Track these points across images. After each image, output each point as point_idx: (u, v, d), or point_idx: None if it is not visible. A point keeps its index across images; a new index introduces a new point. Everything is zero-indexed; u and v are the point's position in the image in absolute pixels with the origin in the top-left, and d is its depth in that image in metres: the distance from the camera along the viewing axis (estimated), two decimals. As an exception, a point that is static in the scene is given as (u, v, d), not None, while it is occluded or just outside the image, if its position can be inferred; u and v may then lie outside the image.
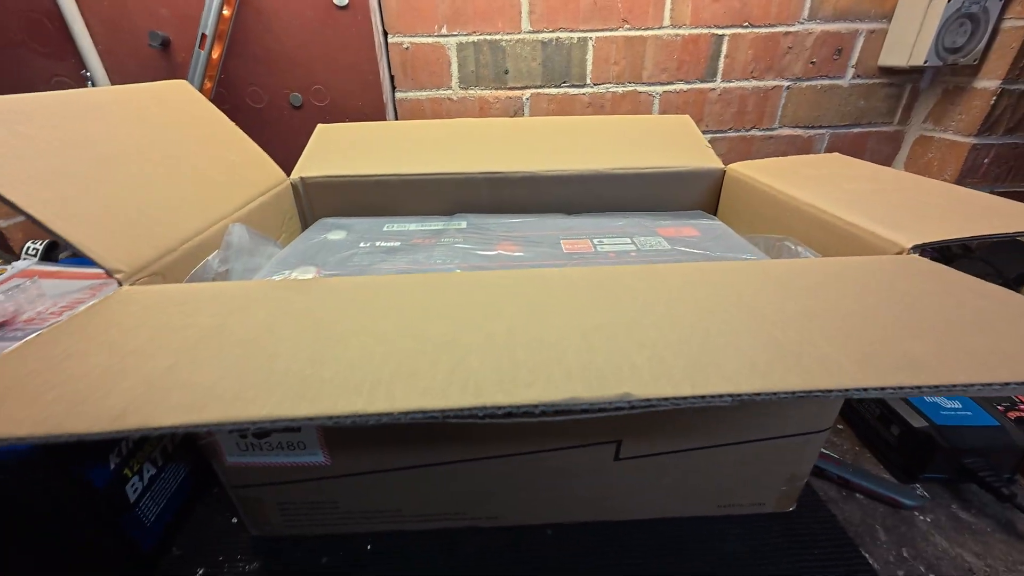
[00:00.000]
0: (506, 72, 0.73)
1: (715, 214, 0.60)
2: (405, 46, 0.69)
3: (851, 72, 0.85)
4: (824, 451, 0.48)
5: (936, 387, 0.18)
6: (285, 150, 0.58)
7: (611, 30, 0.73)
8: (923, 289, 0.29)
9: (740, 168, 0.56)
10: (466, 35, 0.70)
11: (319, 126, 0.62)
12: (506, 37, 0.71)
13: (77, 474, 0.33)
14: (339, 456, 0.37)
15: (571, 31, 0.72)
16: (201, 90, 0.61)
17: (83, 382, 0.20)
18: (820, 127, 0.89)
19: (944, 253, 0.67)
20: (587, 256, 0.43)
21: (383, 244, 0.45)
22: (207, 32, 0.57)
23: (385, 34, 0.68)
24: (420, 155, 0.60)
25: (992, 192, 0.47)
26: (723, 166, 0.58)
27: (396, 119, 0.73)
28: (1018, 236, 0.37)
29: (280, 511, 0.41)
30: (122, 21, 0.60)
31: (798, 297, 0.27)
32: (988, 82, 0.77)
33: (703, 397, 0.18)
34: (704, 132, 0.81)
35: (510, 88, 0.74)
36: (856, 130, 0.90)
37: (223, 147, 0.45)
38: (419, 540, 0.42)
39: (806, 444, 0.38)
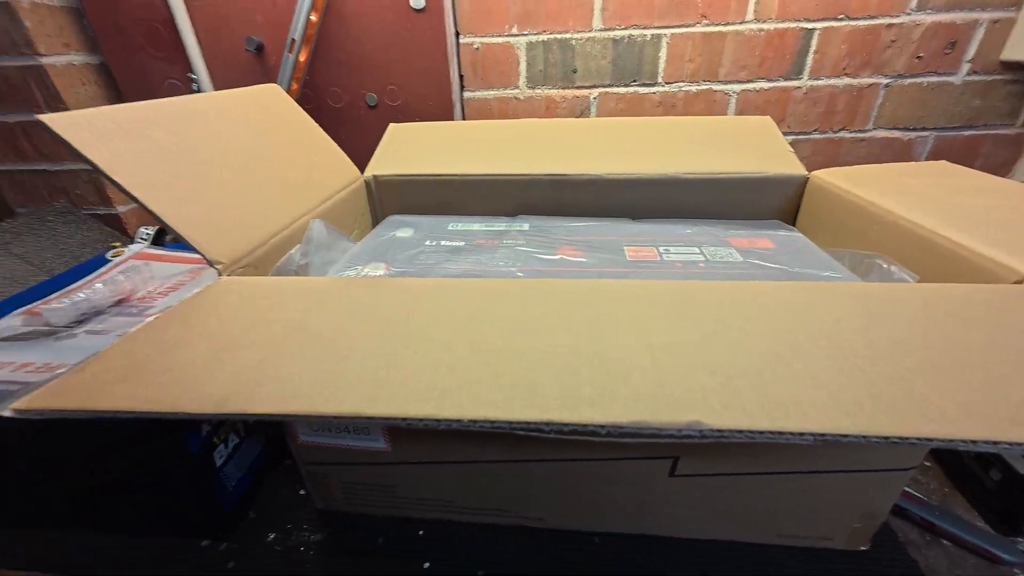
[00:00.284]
0: (574, 71, 0.72)
1: (794, 224, 0.56)
2: (476, 46, 0.70)
3: (966, 68, 0.76)
4: (907, 489, 0.44)
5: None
6: (360, 148, 0.61)
7: (687, 26, 0.70)
8: (1046, 326, 0.26)
9: (825, 176, 0.52)
10: (536, 34, 0.70)
11: (391, 126, 0.65)
12: (576, 36, 0.70)
13: (177, 439, 0.38)
14: (398, 445, 0.39)
15: (644, 28, 0.70)
16: (288, 91, 0.66)
17: (189, 369, 0.23)
18: (924, 129, 0.80)
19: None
20: (652, 265, 0.41)
21: (448, 243, 0.46)
22: (296, 37, 0.61)
23: (457, 35, 0.70)
24: (485, 155, 0.61)
25: None
26: (806, 173, 0.54)
27: (463, 118, 0.74)
28: None
29: (344, 489, 0.44)
30: (224, 28, 0.66)
31: (891, 326, 0.25)
32: None
33: (780, 434, 0.17)
34: (785, 134, 0.75)
35: (578, 87, 0.73)
36: (968, 133, 0.80)
37: (307, 147, 0.49)
38: (468, 531, 0.43)
39: (888, 481, 0.35)
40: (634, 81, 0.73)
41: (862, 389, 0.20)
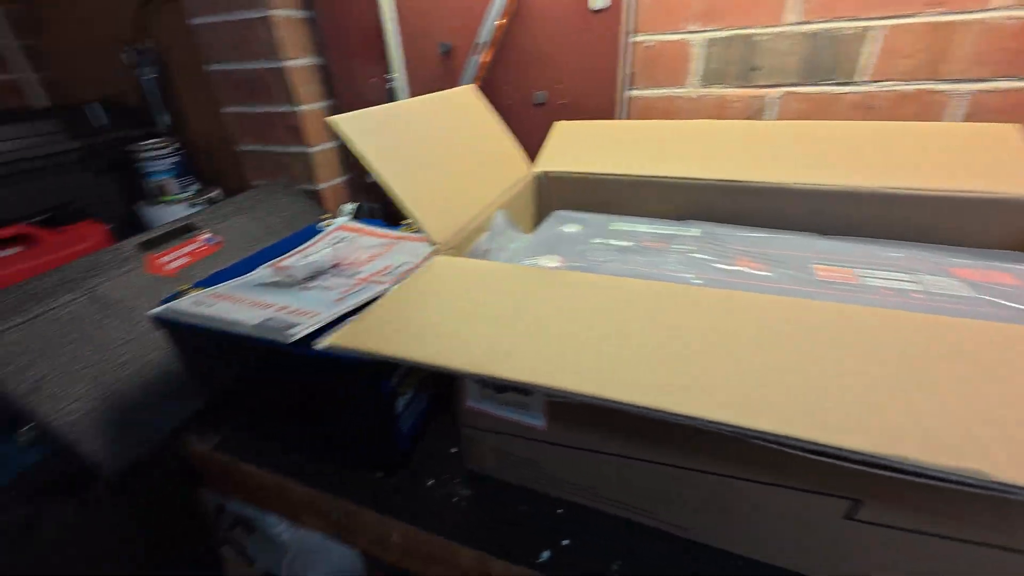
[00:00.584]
0: (753, 69, 0.67)
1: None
2: (648, 44, 0.70)
3: None
4: None
5: None
6: (527, 144, 0.65)
7: (907, 16, 0.60)
8: None
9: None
10: (716, 30, 0.67)
11: (557, 123, 0.68)
12: (762, 31, 0.65)
13: (375, 384, 0.45)
14: (555, 425, 0.41)
15: (850, 20, 0.62)
16: (468, 89, 0.72)
17: (442, 331, 0.27)
18: None
19: None
20: (848, 288, 0.38)
21: (615, 242, 0.47)
22: (482, 40, 0.67)
23: (630, 33, 0.69)
24: (651, 156, 0.60)
25: None
26: (1066, 196, 0.44)
27: (626, 117, 0.74)
28: None
29: (495, 456, 0.48)
30: (423, 35, 0.75)
31: None
32: None
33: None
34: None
35: (755, 86, 0.68)
36: None
37: (494, 142, 0.54)
38: (607, 523, 0.44)
39: None
40: (827, 80, 0.65)
41: None
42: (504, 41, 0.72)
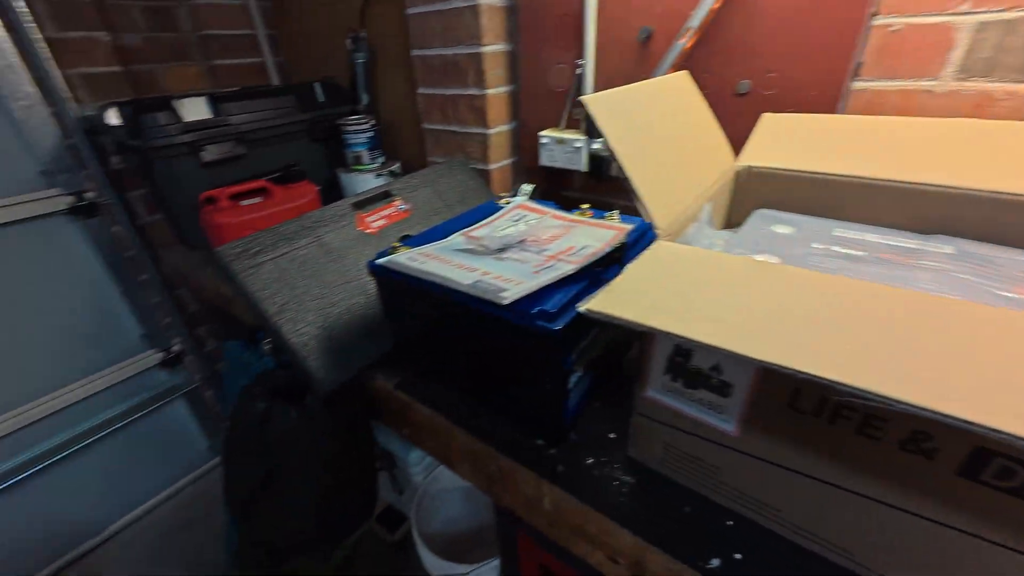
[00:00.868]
0: (1039, 58, 0.54)
1: None
2: (895, 28, 0.60)
3: None
4: None
5: None
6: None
7: None
8: None
9: None
10: (996, 11, 0.55)
11: (765, 115, 0.62)
12: (1063, 9, 0.52)
13: (559, 355, 0.47)
14: (750, 435, 0.39)
15: None
16: (661, 76, 0.70)
17: (686, 308, 0.27)
18: None
19: None
20: None
21: (840, 250, 0.42)
22: (694, 25, 0.64)
23: (874, 15, 0.61)
24: (880, 156, 0.53)
25: None
26: None
27: (844, 112, 0.66)
28: None
29: (663, 449, 0.47)
30: (623, 19, 0.75)
31: None
32: None
33: None
34: None
35: (1039, 80, 0.55)
36: None
37: (705, 131, 0.52)
38: (782, 550, 0.41)
39: None
40: None
41: None
42: (710, 26, 0.68)
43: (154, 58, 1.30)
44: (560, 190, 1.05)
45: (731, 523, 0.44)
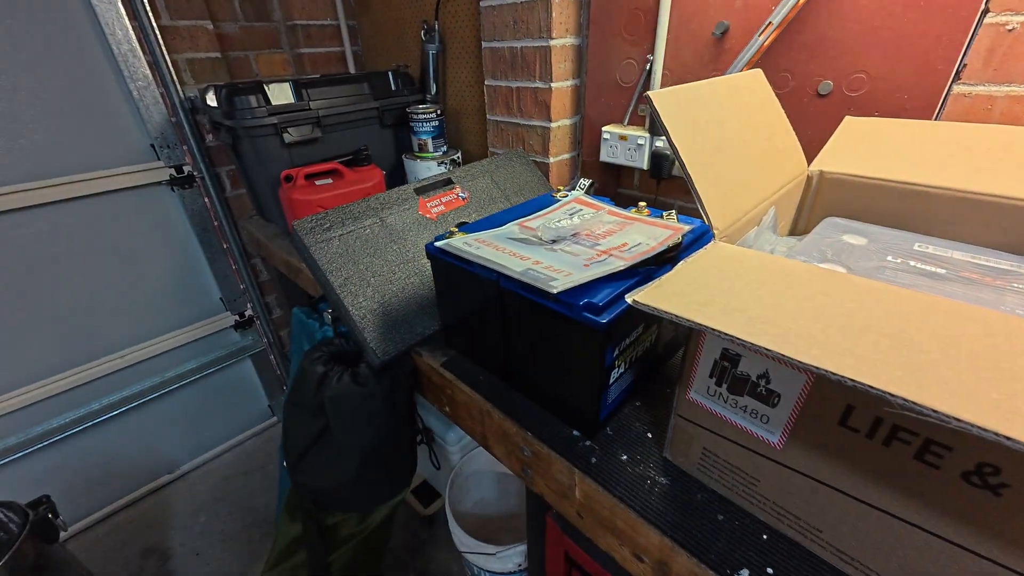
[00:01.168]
0: None
1: None
2: (1009, 27, 0.54)
3: None
4: None
5: None
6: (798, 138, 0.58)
7: None
8: None
9: None
10: None
11: (847, 118, 0.59)
12: None
13: (603, 349, 0.48)
14: (794, 448, 0.38)
15: None
16: (734, 74, 0.68)
17: (739, 309, 0.27)
18: None
19: None
20: None
21: (919, 265, 0.40)
22: (776, 20, 0.61)
23: (985, 12, 0.55)
24: (974, 167, 0.48)
25: None
26: None
27: (939, 118, 0.60)
28: None
29: (701, 454, 0.47)
30: (699, 13, 0.73)
31: None
32: None
33: None
34: None
35: None
36: None
37: (776, 133, 0.50)
38: (823, 570, 0.40)
39: None
40: None
41: None
42: (794, 21, 0.65)
43: (249, 45, 1.42)
44: (618, 187, 1.04)
45: (766, 537, 0.43)
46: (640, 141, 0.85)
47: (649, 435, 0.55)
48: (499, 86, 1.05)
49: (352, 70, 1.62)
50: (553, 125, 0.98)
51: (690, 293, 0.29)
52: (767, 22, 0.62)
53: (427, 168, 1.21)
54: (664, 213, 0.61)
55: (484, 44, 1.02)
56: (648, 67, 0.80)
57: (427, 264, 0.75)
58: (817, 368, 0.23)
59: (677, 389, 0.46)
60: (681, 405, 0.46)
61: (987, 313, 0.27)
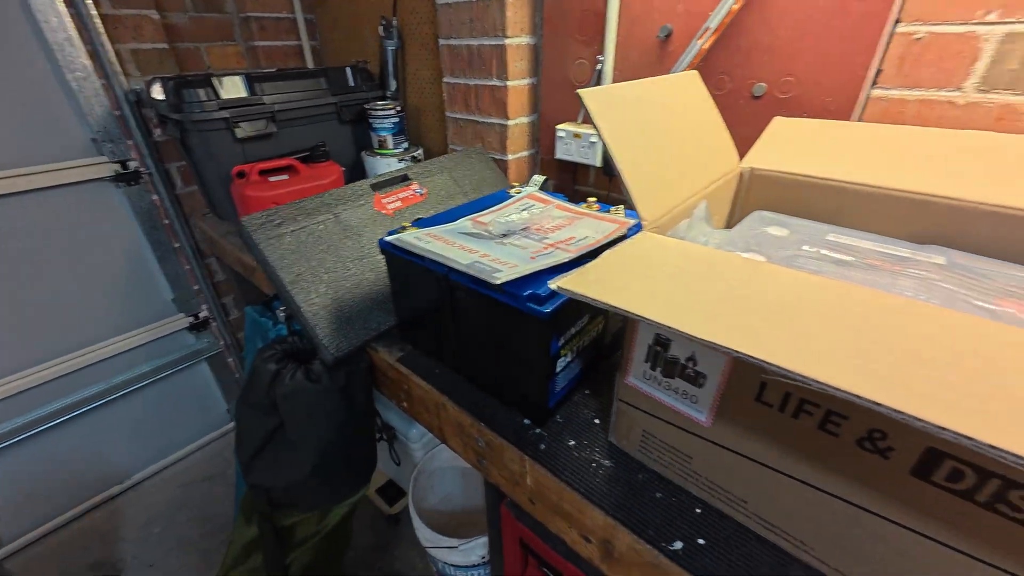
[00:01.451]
0: (1068, 73, 0.53)
1: None
2: (918, 36, 0.59)
3: None
4: None
5: None
6: (733, 138, 0.62)
7: None
8: None
9: None
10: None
11: (776, 119, 0.62)
12: (1098, 23, 0.50)
13: (547, 337, 0.49)
14: (721, 425, 0.41)
15: None
16: (678, 75, 0.71)
17: (652, 294, 0.29)
18: None
19: None
20: None
21: (830, 254, 0.43)
22: (712, 25, 0.64)
23: (897, 22, 0.60)
24: (886, 165, 0.52)
25: None
26: None
27: (860, 120, 0.65)
28: None
29: (641, 436, 0.49)
30: (645, 16, 0.75)
31: None
32: None
33: None
34: None
35: (1065, 95, 0.54)
36: None
37: (710, 131, 0.53)
38: (745, 540, 0.42)
39: None
40: None
41: None
42: (730, 27, 0.68)
43: (199, 37, 1.37)
44: (575, 184, 1.07)
45: (700, 511, 0.46)
46: (593, 139, 0.88)
47: (596, 421, 0.57)
48: (457, 84, 1.05)
49: (311, 65, 1.58)
50: (510, 123, 0.99)
51: (609, 279, 0.31)
52: (705, 27, 0.65)
53: (387, 165, 1.20)
54: (612, 208, 0.63)
55: (442, 41, 1.03)
56: (599, 68, 0.83)
57: (382, 260, 0.75)
58: (698, 337, 0.25)
59: (617, 375, 0.48)
60: (621, 390, 0.48)
61: (871, 293, 0.30)
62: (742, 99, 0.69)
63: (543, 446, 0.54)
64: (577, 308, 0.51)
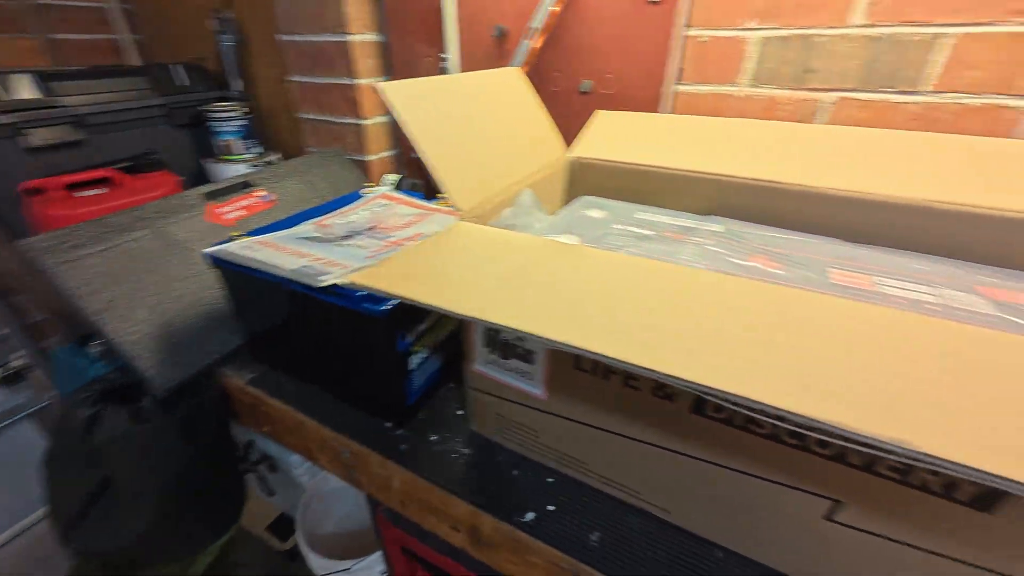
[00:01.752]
0: (808, 71, 0.65)
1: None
2: (702, 39, 0.69)
3: None
4: None
5: None
6: (567, 129, 0.66)
7: (985, 25, 0.57)
8: None
9: None
10: (774, 28, 0.65)
11: (597, 112, 0.69)
12: (823, 32, 0.63)
13: (392, 337, 0.49)
14: (554, 396, 0.43)
15: (921, 26, 0.59)
16: (516, 73, 0.74)
17: (453, 282, 0.30)
18: None
19: None
20: (861, 293, 0.37)
21: (636, 230, 0.48)
22: (536, 25, 0.68)
23: (683, 27, 0.69)
24: (688, 151, 0.60)
25: None
26: None
27: (671, 111, 0.74)
28: None
29: (496, 420, 0.51)
30: (479, 17, 0.78)
31: None
32: None
33: (1011, 481, 0.15)
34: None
35: (809, 89, 0.66)
36: None
37: (533, 124, 0.56)
38: (594, 497, 0.46)
39: None
40: (887, 87, 0.62)
41: None
42: (557, 28, 0.73)
43: (-30, 26, 1.12)
44: (442, 182, 1.07)
45: (551, 480, 0.48)
46: (449, 136, 0.89)
47: (459, 412, 0.57)
48: (305, 82, 0.99)
49: (139, 63, 1.38)
50: (367, 122, 0.96)
51: (400, 269, 0.32)
52: (531, 27, 0.69)
53: (236, 172, 1.09)
54: (460, 202, 0.64)
55: (282, 37, 0.96)
56: (443, 65, 0.84)
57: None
58: (467, 315, 0.27)
59: (464, 364, 0.49)
60: (471, 378, 0.49)
61: (645, 263, 0.34)
62: (573, 94, 0.75)
63: (404, 446, 0.53)
64: (422, 303, 0.51)
